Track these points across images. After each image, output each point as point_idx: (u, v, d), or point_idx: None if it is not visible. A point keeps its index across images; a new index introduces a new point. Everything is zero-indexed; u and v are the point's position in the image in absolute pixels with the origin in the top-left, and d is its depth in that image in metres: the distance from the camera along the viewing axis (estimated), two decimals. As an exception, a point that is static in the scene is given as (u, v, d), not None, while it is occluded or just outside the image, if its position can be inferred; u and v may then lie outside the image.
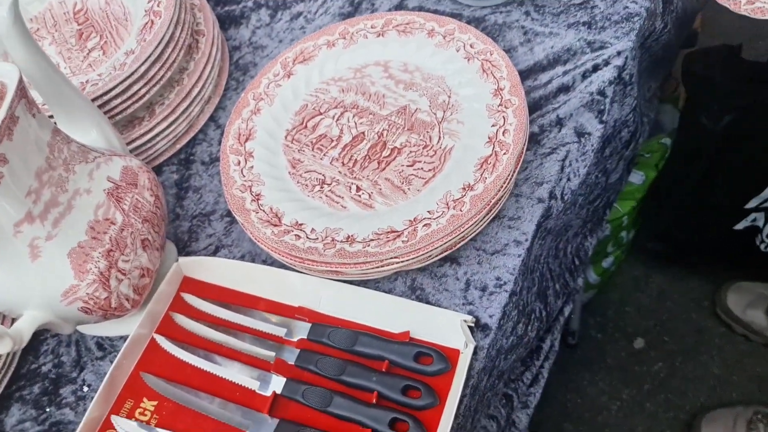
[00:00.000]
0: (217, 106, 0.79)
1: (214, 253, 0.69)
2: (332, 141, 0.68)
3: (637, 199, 1.23)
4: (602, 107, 0.68)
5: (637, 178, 1.19)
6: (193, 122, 0.76)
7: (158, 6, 0.72)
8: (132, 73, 0.68)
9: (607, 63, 0.69)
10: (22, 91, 0.50)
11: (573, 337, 1.35)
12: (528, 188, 0.65)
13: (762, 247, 1.22)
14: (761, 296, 1.31)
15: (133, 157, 0.62)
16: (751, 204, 1.14)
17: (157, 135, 0.73)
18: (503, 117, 0.64)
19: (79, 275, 0.54)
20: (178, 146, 0.76)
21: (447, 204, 0.60)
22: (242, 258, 0.68)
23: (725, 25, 1.47)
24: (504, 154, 0.61)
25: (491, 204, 0.60)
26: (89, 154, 0.57)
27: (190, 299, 0.66)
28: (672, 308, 1.40)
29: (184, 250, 0.70)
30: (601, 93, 0.68)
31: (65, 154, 0.54)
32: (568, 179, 0.67)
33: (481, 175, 0.61)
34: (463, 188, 0.61)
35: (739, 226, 1.19)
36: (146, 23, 0.71)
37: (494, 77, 0.67)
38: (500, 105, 0.65)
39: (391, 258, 0.59)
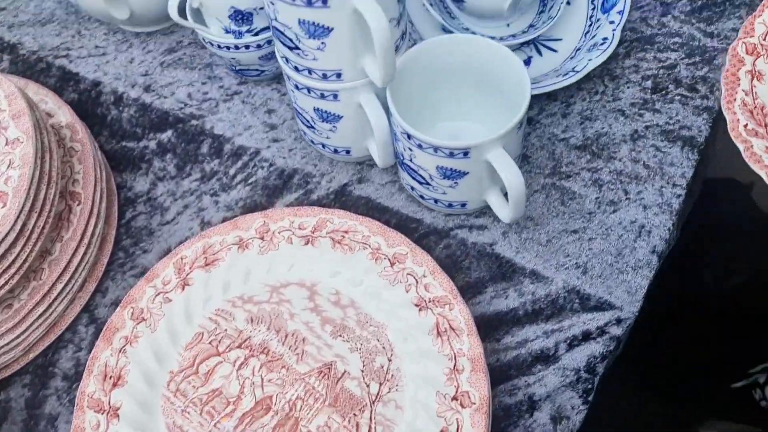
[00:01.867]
0: (96, 289, 0.60)
1: None
2: (228, 403, 0.51)
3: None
4: (589, 386, 0.51)
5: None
6: (56, 321, 0.58)
7: (6, 184, 0.52)
8: (-45, 292, 0.49)
9: (602, 332, 0.52)
10: None
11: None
12: (481, 503, 0.49)
13: (762, 404, 1.08)
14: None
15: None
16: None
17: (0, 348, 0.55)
18: (456, 419, 0.47)
19: None
20: (32, 355, 0.57)
21: None
22: None
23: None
24: (451, 490, 0.45)
25: None
26: None
27: None
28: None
29: None
30: (590, 370, 0.51)
31: None
32: (535, 482, 0.51)
33: None
34: None
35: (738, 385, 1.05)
36: (-13, 209, 0.52)
37: (451, 348, 0.49)
38: (454, 398, 0.48)
39: None
